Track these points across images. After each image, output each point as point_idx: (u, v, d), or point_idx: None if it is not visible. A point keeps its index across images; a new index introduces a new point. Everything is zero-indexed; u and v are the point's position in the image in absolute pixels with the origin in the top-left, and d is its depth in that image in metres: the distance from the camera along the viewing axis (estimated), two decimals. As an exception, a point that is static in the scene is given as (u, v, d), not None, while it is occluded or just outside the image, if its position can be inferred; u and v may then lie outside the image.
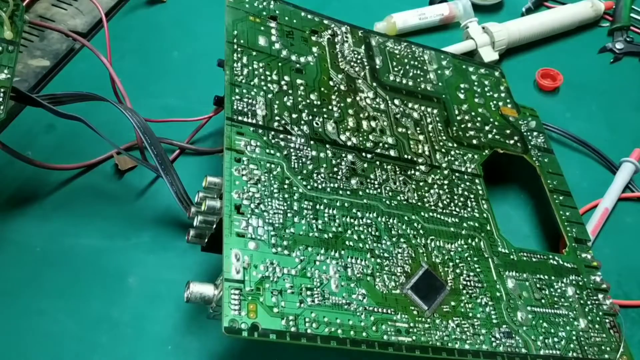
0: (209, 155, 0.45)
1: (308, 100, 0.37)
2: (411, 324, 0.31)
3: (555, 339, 0.34)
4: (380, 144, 0.38)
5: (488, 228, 0.37)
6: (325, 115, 0.37)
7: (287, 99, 0.36)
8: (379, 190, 0.35)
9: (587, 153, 0.50)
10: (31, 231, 0.39)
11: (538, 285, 0.36)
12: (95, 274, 0.37)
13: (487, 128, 0.43)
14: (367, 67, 0.42)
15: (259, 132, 0.34)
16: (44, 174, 0.41)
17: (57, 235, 0.39)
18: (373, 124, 0.39)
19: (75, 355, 0.34)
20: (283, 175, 0.33)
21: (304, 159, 0.34)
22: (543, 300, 0.36)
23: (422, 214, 0.36)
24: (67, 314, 0.36)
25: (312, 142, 0.35)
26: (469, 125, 0.43)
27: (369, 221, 0.34)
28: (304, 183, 0.33)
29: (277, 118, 0.35)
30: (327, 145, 0.35)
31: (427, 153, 0.39)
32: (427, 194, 0.37)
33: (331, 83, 0.39)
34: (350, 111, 0.38)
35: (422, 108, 0.42)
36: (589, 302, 0.37)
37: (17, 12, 0.36)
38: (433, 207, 0.36)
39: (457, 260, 0.35)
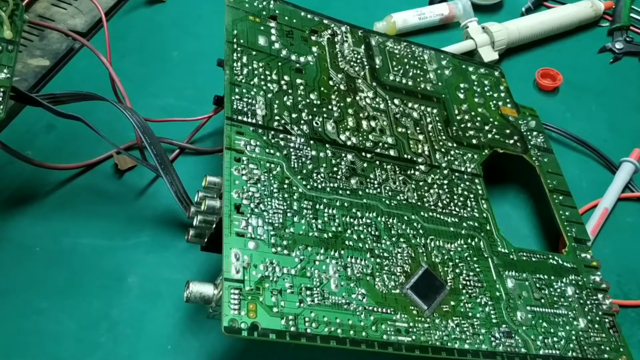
0: (208, 155, 0.45)
1: (308, 100, 0.37)
2: (411, 324, 0.31)
3: (555, 339, 0.34)
4: (380, 144, 0.38)
5: (488, 228, 0.37)
6: (325, 115, 0.37)
7: (286, 98, 0.36)
8: (378, 190, 0.35)
9: (587, 153, 0.50)
10: (31, 231, 0.39)
11: (538, 285, 0.36)
12: (95, 274, 0.38)
13: (486, 128, 0.43)
14: (366, 67, 0.42)
15: (259, 131, 0.34)
16: (43, 174, 0.41)
17: (57, 235, 0.39)
18: (373, 123, 0.39)
19: (75, 355, 0.34)
20: (283, 175, 0.33)
21: (303, 159, 0.34)
22: (543, 300, 0.36)
23: (422, 213, 0.36)
24: (66, 313, 0.36)
25: (311, 142, 0.35)
26: (469, 125, 0.43)
27: (368, 221, 0.34)
28: (304, 183, 0.33)
29: (276, 118, 0.35)
30: (327, 145, 0.35)
31: (426, 153, 0.39)
32: (426, 194, 0.37)
33: (331, 83, 0.39)
34: (350, 111, 0.38)
35: (422, 108, 0.42)
36: (588, 302, 0.37)
37: (16, 11, 0.36)
38: (433, 207, 0.37)
39: (457, 260, 0.35)
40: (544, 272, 0.37)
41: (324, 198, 0.33)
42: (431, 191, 0.37)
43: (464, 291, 0.34)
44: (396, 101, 0.41)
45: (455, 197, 0.38)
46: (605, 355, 0.35)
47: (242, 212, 0.30)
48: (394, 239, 0.34)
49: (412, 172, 0.38)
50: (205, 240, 0.33)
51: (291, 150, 0.34)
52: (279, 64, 0.38)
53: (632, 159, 0.48)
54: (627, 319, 0.40)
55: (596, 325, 0.36)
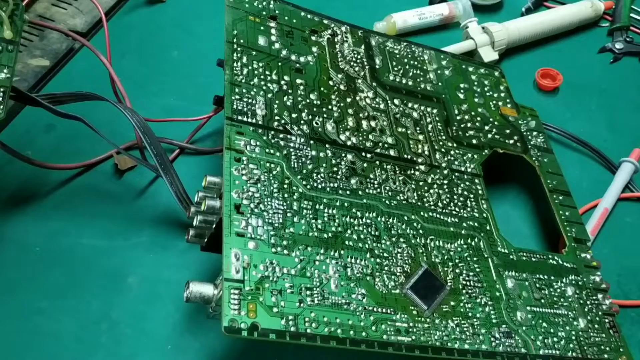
0: (208, 155, 0.45)
1: (308, 100, 0.37)
2: (411, 324, 0.31)
3: (555, 339, 0.34)
4: (380, 144, 0.38)
5: (488, 228, 0.37)
6: (325, 115, 0.37)
7: (286, 98, 0.36)
8: (378, 190, 0.35)
9: (587, 153, 0.50)
10: (31, 231, 0.39)
11: (537, 285, 0.36)
12: (95, 274, 0.38)
13: (486, 128, 0.43)
14: (366, 67, 0.42)
15: (259, 131, 0.34)
16: (43, 174, 0.41)
17: (57, 234, 0.39)
18: (373, 123, 0.39)
19: (75, 355, 0.34)
20: (283, 175, 0.33)
21: (303, 159, 0.34)
22: (542, 300, 0.36)
23: (422, 213, 0.36)
24: (66, 313, 0.36)
25: (311, 142, 0.35)
26: (469, 125, 0.43)
27: (368, 221, 0.34)
28: (304, 183, 0.33)
29: (276, 118, 0.35)
30: (327, 145, 0.35)
31: (426, 153, 0.39)
32: (426, 194, 0.37)
33: (331, 83, 0.39)
34: (350, 111, 0.38)
35: (422, 108, 0.42)
36: (588, 302, 0.37)
37: (16, 11, 0.36)
38: (433, 207, 0.36)
39: (457, 260, 0.35)
40: (544, 272, 0.37)
41: (324, 198, 0.33)
42: (431, 191, 0.37)
43: (463, 291, 0.34)
44: (396, 101, 0.41)
45: (455, 197, 0.38)
46: (605, 355, 0.35)
47: (242, 212, 0.30)
48: (393, 239, 0.34)
49: (412, 172, 0.38)
50: (205, 240, 0.33)
51: (291, 150, 0.34)
52: (279, 64, 0.38)
53: (632, 159, 0.48)
54: (627, 319, 0.40)
55: (596, 325, 0.36)
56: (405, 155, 0.38)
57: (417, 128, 0.40)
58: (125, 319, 0.36)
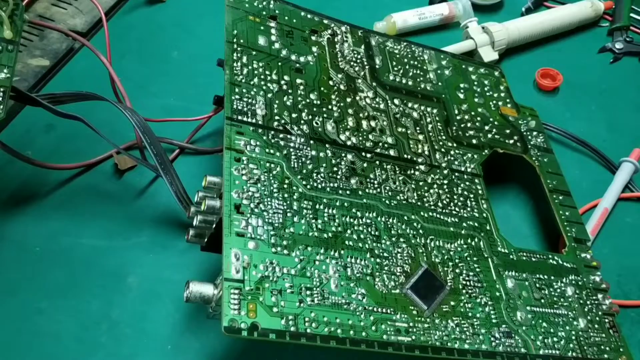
0: (208, 155, 0.45)
1: (308, 100, 0.37)
2: (411, 324, 0.31)
3: (555, 339, 0.34)
4: (380, 144, 0.38)
5: (488, 228, 0.37)
6: (325, 115, 0.37)
7: (286, 98, 0.36)
8: (378, 190, 0.35)
9: (587, 153, 0.50)
10: (31, 231, 0.39)
11: (537, 285, 0.36)
12: (95, 274, 0.38)
13: (486, 128, 0.43)
14: (366, 67, 0.42)
15: (259, 131, 0.34)
16: (43, 174, 0.41)
17: (57, 234, 0.39)
18: (373, 123, 0.39)
19: (75, 355, 0.34)
20: (283, 175, 0.33)
21: (303, 159, 0.34)
22: (542, 300, 0.36)
23: (422, 213, 0.36)
24: (66, 313, 0.36)
25: (311, 142, 0.35)
26: (469, 125, 0.43)
27: (368, 221, 0.34)
28: (304, 183, 0.33)
29: (276, 118, 0.35)
30: (327, 145, 0.35)
31: (426, 153, 0.39)
32: (426, 194, 0.37)
33: (331, 83, 0.39)
34: (350, 111, 0.38)
35: (422, 108, 0.42)
36: (588, 302, 0.37)
37: (16, 11, 0.36)
38: (433, 207, 0.37)
39: (457, 260, 0.35)
40: (544, 272, 0.37)
41: (324, 198, 0.33)
42: (431, 191, 0.37)
43: (463, 291, 0.34)
44: (396, 101, 0.41)
45: (455, 197, 0.38)
46: (605, 355, 0.35)
47: (242, 212, 0.30)
48: (393, 239, 0.34)
49: (412, 172, 0.38)
50: (205, 240, 0.33)
51: (291, 150, 0.34)
52: (279, 64, 0.38)
53: (632, 159, 0.48)
54: (627, 319, 0.40)
55: (596, 325, 0.36)
56: (405, 155, 0.38)
57: (417, 128, 0.40)
58: (125, 319, 0.36)
